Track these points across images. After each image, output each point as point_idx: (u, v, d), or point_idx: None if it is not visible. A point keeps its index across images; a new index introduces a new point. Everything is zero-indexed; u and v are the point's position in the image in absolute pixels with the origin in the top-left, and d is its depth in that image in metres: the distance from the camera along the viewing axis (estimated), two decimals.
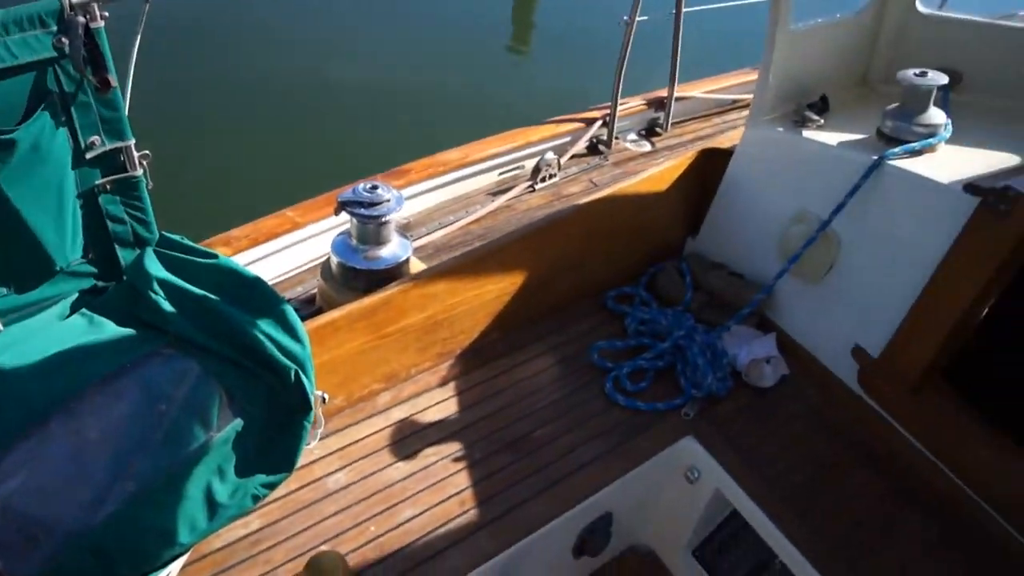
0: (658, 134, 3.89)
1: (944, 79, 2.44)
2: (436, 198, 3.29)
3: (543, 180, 3.39)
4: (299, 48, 7.92)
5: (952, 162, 2.40)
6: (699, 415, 2.54)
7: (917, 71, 2.47)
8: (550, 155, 3.38)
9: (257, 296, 1.99)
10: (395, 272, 2.58)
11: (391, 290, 2.44)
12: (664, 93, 3.88)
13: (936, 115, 2.49)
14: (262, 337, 1.89)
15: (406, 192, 3.15)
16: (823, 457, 2.47)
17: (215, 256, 2.06)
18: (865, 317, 2.56)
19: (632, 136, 3.87)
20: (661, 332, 2.77)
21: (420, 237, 3.08)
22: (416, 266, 2.69)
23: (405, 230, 3.08)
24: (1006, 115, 2.77)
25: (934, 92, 2.46)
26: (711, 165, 3.01)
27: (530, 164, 3.48)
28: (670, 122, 3.89)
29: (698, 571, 2.60)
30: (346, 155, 6.14)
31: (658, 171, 2.93)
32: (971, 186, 2.22)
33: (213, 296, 1.94)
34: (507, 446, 2.42)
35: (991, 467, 2.30)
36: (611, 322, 2.88)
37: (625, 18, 3.43)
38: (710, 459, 2.43)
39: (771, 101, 2.71)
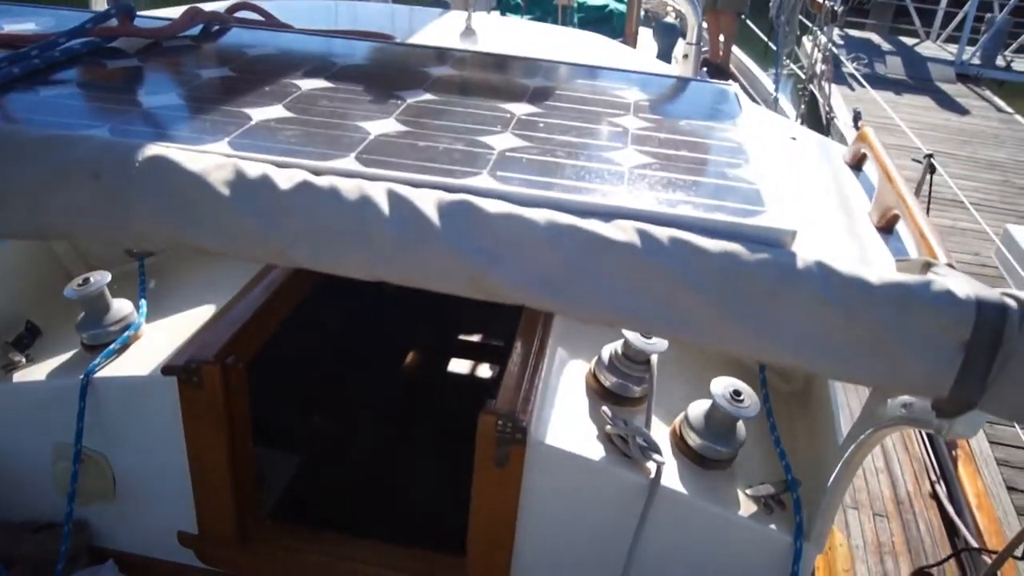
0: None
1: (107, 276, 2.56)
2: None
3: None
4: None
5: (154, 346, 2.54)
6: None
7: (80, 279, 2.54)
8: None
9: None
10: None
11: None
12: None
13: (121, 307, 2.60)
14: None
15: None
16: None
17: None
18: (168, 506, 2.62)
19: None
20: None
21: None
22: None
23: None
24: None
25: (96, 292, 2.56)
26: None
27: None
28: None
29: None
30: None
31: None
32: (167, 368, 2.38)
33: None
34: None
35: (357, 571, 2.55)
36: None
37: None
38: None
39: None
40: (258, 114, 1.52)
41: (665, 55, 9.07)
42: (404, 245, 1.19)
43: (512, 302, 1.23)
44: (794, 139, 2.02)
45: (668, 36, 8.92)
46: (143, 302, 2.70)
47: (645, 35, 9.19)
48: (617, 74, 2.09)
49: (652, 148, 1.58)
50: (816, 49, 10.22)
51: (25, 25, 2.05)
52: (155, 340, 2.57)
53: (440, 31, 2.92)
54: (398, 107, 1.63)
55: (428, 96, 1.71)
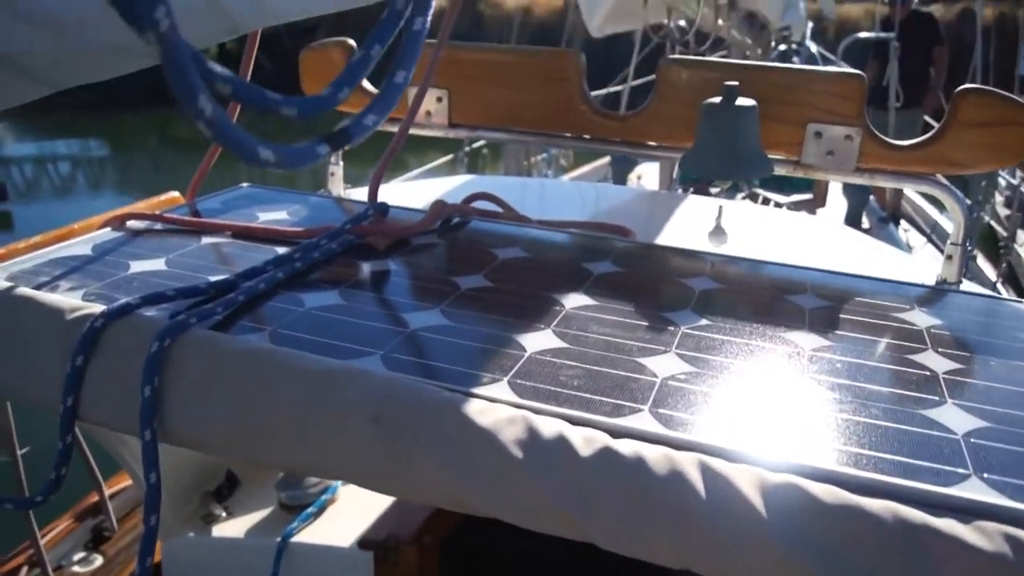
0: (108, 538, 3.54)
1: None
2: None
3: None
4: None
5: (351, 511, 2.49)
6: None
7: None
8: None
9: None
10: None
11: None
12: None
13: None
14: None
15: None
16: None
17: None
18: None
19: (79, 555, 3.45)
20: None
21: None
22: None
23: None
24: None
25: None
26: None
27: None
28: (114, 520, 3.57)
29: None
30: None
31: None
32: (364, 542, 2.31)
33: None
34: None
35: None
36: None
37: None
38: None
39: (169, 508, 2.59)
40: (530, 343, 1.41)
41: (855, 214, 8.55)
42: (723, 536, 1.02)
43: None
44: None
45: (859, 194, 8.36)
46: None
47: (834, 190, 8.76)
48: (889, 286, 1.84)
49: (975, 404, 1.30)
50: (1015, 201, 9.46)
51: (277, 214, 2.12)
52: (351, 506, 2.53)
53: (666, 219, 2.79)
54: (674, 336, 1.46)
55: (702, 321, 1.55)
